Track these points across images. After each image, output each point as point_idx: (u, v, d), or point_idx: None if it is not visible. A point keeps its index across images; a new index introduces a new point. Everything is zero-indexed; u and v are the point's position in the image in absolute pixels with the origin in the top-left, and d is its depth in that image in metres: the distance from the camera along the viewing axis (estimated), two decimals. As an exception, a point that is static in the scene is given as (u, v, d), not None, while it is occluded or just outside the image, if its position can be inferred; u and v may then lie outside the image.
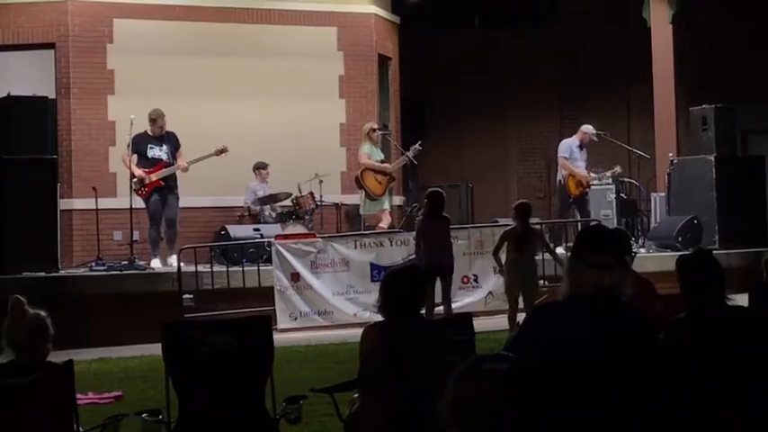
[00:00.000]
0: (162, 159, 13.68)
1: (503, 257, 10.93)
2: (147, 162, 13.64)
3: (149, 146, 13.67)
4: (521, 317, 10.25)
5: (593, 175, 15.63)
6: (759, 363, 4.24)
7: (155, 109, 13.79)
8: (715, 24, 18.92)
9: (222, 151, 13.76)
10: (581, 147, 15.35)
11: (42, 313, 4.97)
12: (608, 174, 15.79)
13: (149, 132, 13.74)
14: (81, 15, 15.40)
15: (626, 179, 17.16)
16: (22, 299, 4.97)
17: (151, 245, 13.88)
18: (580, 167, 15.22)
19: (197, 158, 13.65)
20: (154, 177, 13.57)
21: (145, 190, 13.60)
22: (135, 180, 13.54)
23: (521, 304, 10.66)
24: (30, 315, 4.94)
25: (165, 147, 13.71)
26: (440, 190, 11.45)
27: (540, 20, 20.44)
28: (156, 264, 13.65)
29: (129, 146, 13.49)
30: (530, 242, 10.80)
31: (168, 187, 13.73)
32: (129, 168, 13.54)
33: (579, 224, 14.33)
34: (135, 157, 13.59)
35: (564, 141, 15.61)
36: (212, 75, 15.83)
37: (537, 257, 11.20)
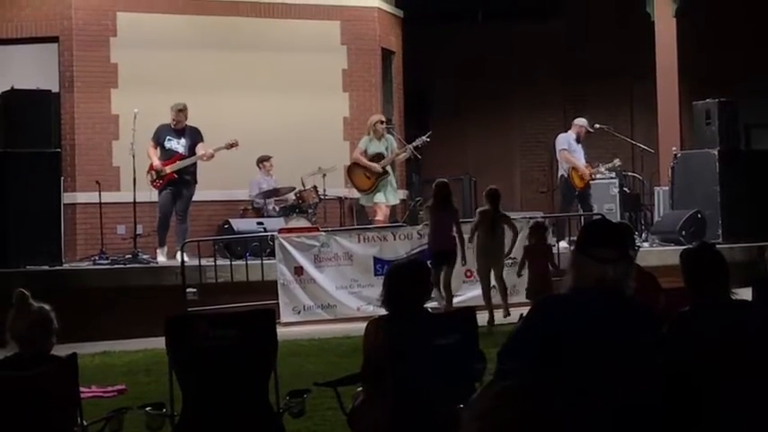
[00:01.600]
0: (178, 152, 13.64)
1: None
2: (163, 153, 13.65)
3: (168, 137, 13.68)
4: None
5: (601, 168, 15.64)
6: (763, 356, 4.24)
7: (180, 102, 13.80)
8: (718, 18, 18.91)
9: (233, 145, 13.74)
10: (578, 140, 15.38)
11: (46, 306, 4.97)
12: (608, 166, 15.77)
13: (171, 125, 13.76)
14: (84, 9, 15.41)
15: (629, 173, 17.14)
16: (26, 292, 4.98)
17: (159, 237, 13.87)
18: (579, 159, 15.25)
19: (213, 150, 13.63)
20: (168, 170, 13.58)
21: (160, 182, 13.61)
22: (150, 173, 13.56)
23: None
24: (33, 308, 4.94)
25: (183, 140, 13.68)
26: (444, 180, 12.04)
27: (544, 14, 20.43)
28: (161, 257, 13.66)
29: (153, 137, 13.58)
30: (499, 226, 11.78)
31: (183, 181, 13.69)
32: (150, 159, 13.57)
33: (582, 218, 14.33)
34: (159, 149, 13.64)
35: (561, 135, 15.62)
36: (215, 68, 15.83)
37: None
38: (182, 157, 13.62)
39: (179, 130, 13.71)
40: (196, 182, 13.84)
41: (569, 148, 15.27)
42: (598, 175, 15.78)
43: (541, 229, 11.79)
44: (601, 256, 3.78)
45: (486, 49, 20.26)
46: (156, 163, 13.56)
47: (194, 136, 13.75)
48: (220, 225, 14.53)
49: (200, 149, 13.66)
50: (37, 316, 4.92)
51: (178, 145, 13.68)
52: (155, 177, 13.58)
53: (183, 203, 13.76)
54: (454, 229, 11.61)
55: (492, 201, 11.77)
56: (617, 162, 15.82)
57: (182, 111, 13.69)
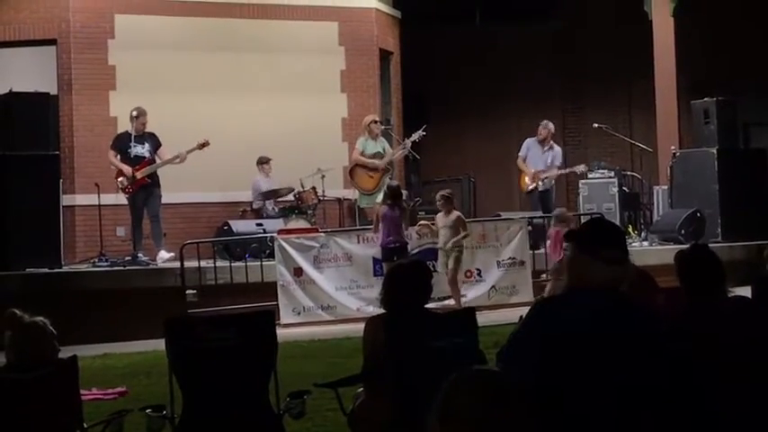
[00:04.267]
0: (145, 157, 13.65)
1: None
2: (130, 161, 13.60)
3: (131, 144, 13.65)
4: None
5: (554, 172, 15.41)
6: (760, 354, 4.24)
7: (137, 107, 13.78)
8: (717, 17, 18.90)
9: (204, 145, 13.71)
10: (541, 143, 15.37)
11: (40, 319, 4.93)
12: (564, 172, 15.72)
13: (130, 131, 13.72)
14: (82, 11, 15.40)
15: (628, 172, 17.16)
16: (16, 311, 4.94)
17: (137, 240, 13.78)
18: (535, 164, 15.27)
19: (186, 152, 13.62)
20: (139, 175, 13.56)
21: (132, 188, 13.58)
22: (121, 179, 13.54)
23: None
24: (26, 322, 4.90)
25: (146, 145, 13.69)
26: (396, 183, 13.20)
27: (541, 14, 20.43)
28: (164, 254, 13.55)
29: (111, 145, 13.59)
30: None
31: (154, 184, 13.73)
32: (117, 167, 13.56)
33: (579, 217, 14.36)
34: (119, 157, 13.63)
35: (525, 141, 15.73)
36: (214, 70, 15.82)
37: None
38: (150, 162, 13.62)
39: (140, 136, 13.71)
40: (159, 184, 13.86)
41: (527, 154, 15.39)
42: (593, 175, 15.85)
43: (567, 218, 12.74)
44: (607, 257, 3.78)
45: (485, 49, 20.25)
46: (127, 169, 13.55)
47: (155, 140, 13.78)
48: (220, 226, 14.52)
49: (164, 153, 13.68)
50: (32, 332, 4.88)
51: (143, 150, 13.67)
52: (126, 184, 13.57)
53: (156, 206, 13.75)
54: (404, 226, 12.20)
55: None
56: (580, 168, 15.71)
57: (146, 114, 13.70)
